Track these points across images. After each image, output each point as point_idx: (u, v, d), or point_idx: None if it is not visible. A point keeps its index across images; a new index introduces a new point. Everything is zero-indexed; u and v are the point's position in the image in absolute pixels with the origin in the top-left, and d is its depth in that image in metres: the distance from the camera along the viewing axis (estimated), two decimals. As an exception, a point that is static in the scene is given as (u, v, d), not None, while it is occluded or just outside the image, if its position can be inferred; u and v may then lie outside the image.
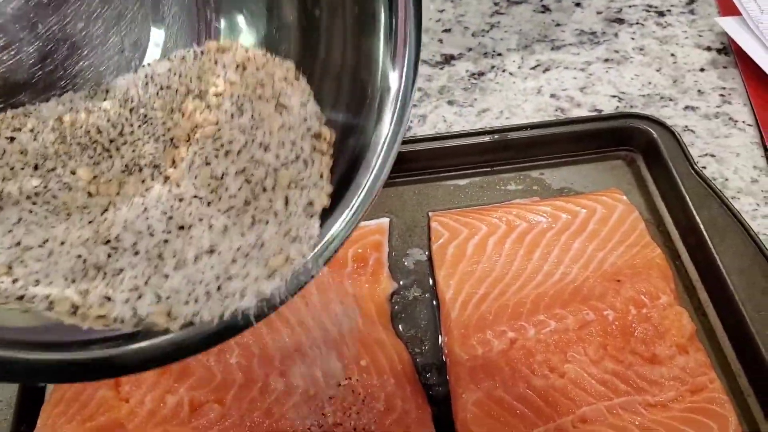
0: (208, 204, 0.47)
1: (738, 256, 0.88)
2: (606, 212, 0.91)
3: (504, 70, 1.17)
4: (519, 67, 1.17)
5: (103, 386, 0.74)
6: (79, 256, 0.43)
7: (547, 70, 1.17)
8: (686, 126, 1.09)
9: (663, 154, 0.99)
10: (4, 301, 0.41)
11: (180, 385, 0.74)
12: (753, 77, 1.13)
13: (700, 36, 1.23)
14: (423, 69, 1.18)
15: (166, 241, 0.45)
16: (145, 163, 0.48)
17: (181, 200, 0.47)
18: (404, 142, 1.01)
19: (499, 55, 1.20)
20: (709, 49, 1.20)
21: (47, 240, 0.44)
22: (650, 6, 1.29)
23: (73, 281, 0.43)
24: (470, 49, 1.21)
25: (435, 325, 0.86)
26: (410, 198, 1.00)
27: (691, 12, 1.27)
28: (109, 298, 0.42)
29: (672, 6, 1.29)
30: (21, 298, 0.42)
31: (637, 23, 1.26)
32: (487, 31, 1.24)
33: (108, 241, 0.44)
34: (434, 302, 0.88)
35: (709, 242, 0.89)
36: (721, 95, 1.13)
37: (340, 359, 0.77)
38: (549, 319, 0.79)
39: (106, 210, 0.45)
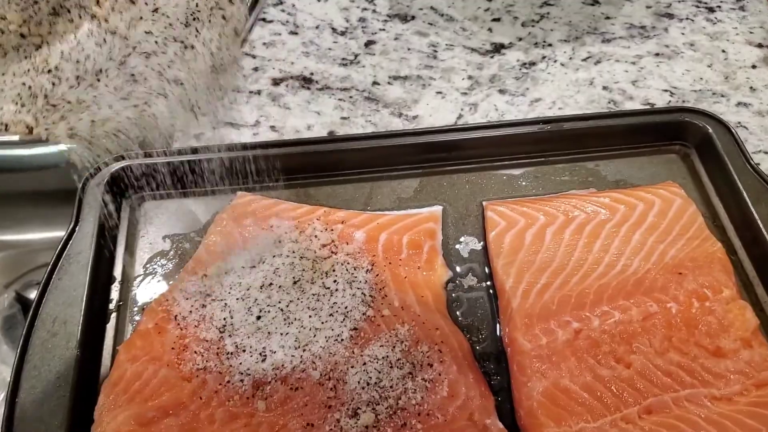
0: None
1: (796, 254, 0.87)
2: (664, 205, 0.90)
3: (555, 61, 1.16)
4: (570, 58, 1.16)
5: (165, 366, 0.74)
6: (23, 84, 0.50)
7: (598, 62, 1.16)
8: (739, 122, 1.08)
9: (718, 149, 0.98)
10: None
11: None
12: (807, 74, 1.12)
13: (751, 33, 1.21)
14: (473, 57, 1.17)
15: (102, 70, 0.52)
16: (71, 5, 0.52)
17: (113, 33, 0.52)
18: (456, 130, 1.02)
19: (550, 45, 1.19)
20: (760, 45, 1.19)
21: None
22: (700, 1, 1.28)
23: (23, 106, 0.49)
24: (520, 39, 1.20)
25: (492, 314, 0.85)
26: (463, 187, 0.99)
27: (742, 8, 1.26)
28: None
29: (722, 2, 1.28)
30: None
31: (687, 18, 1.25)
32: (537, 21, 1.23)
33: (49, 71, 0.50)
34: (491, 291, 0.87)
35: (766, 237, 0.88)
36: (774, 92, 1.12)
37: (402, 347, 0.76)
38: (613, 310, 0.79)
39: (39, 47, 0.51)
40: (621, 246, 0.85)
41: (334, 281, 0.82)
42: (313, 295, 0.80)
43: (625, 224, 0.88)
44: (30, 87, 0.49)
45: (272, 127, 1.05)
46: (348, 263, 0.85)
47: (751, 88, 1.12)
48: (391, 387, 0.72)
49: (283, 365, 0.73)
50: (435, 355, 0.76)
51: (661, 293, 0.80)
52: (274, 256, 0.84)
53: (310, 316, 0.78)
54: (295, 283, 0.81)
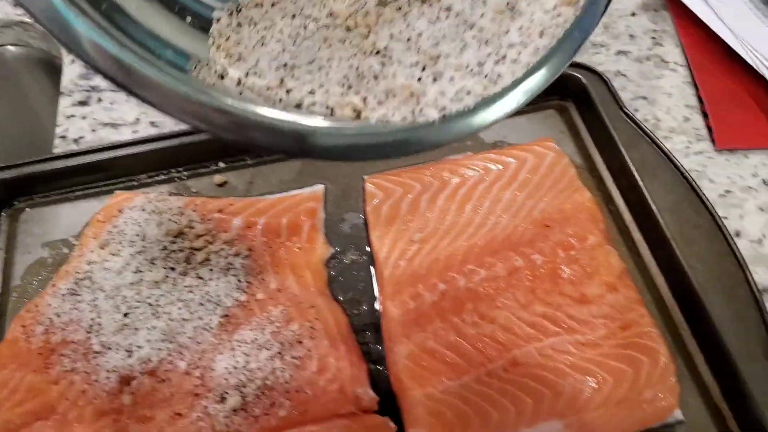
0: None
1: (669, 194, 0.88)
2: (537, 161, 0.91)
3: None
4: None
5: (31, 372, 0.73)
6: (351, 66, 0.46)
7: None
8: (618, 70, 1.09)
9: (594, 100, 0.99)
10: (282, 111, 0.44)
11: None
12: (683, 17, 1.14)
13: (631, -19, 1.22)
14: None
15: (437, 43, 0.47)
16: None
17: (448, 9, 0.47)
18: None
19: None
20: (640, -7, 1.20)
21: (314, 60, 0.46)
22: (581, -45, 1.28)
23: (350, 87, 0.46)
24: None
25: (372, 286, 0.86)
26: (345, 164, 0.99)
27: (622, -42, 1.27)
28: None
29: (603, -46, 1.28)
30: (299, 106, 0.45)
31: (569, -27, 1.25)
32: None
33: (378, 52, 0.47)
34: (371, 264, 0.88)
35: (639, 182, 0.89)
36: (653, 38, 1.13)
37: (272, 329, 0.77)
38: (479, 268, 0.79)
39: (366, 38, 0.47)
40: (492, 205, 0.86)
41: (210, 270, 0.82)
42: (186, 286, 0.80)
43: (497, 183, 0.89)
44: (358, 68, 0.47)
45: (152, 123, 1.04)
46: (224, 250, 0.85)
47: (630, 36, 1.14)
48: (258, 368, 0.73)
49: (149, 359, 0.73)
50: (306, 332, 0.77)
51: (527, 247, 0.81)
52: (146, 252, 0.83)
53: (179, 308, 0.78)
54: (166, 276, 0.81)
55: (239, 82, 0.45)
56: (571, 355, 0.73)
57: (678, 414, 0.73)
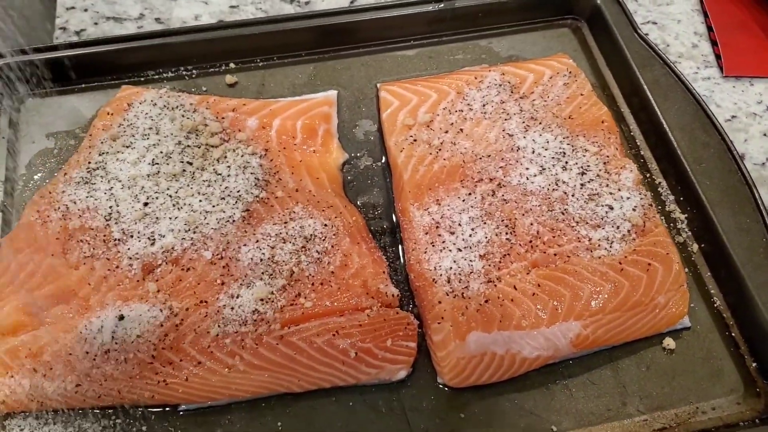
0: None
1: (680, 114, 0.90)
2: (553, 74, 0.92)
3: (449, -59, 1.14)
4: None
5: (50, 256, 0.72)
6: None
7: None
8: (630, -6, 1.09)
9: (607, 20, 0.99)
10: None
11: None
12: (695, -55, 1.14)
13: None
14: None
15: None
16: None
17: None
18: (341, 13, 0.99)
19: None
20: None
21: None
22: None
23: None
24: None
25: (387, 191, 0.86)
26: (358, 70, 0.98)
27: None
28: None
29: None
30: None
31: None
32: None
33: None
34: (385, 170, 0.87)
35: (652, 101, 0.91)
36: (664, -36, 1.13)
37: (294, 224, 0.77)
38: (502, 175, 0.80)
39: None
40: (511, 116, 0.87)
41: (227, 167, 0.81)
42: (204, 181, 0.79)
43: (515, 95, 0.89)
44: None
45: (157, 20, 1.00)
46: (240, 149, 0.83)
47: (642, -39, 1.13)
48: (284, 261, 0.73)
49: (173, 248, 0.73)
50: (328, 229, 0.77)
51: (547, 157, 0.82)
52: (161, 146, 0.82)
53: (200, 201, 0.77)
54: (184, 170, 0.80)
55: None
56: (590, 260, 0.75)
57: (686, 321, 0.76)
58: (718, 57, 1.02)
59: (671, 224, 0.84)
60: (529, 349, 0.71)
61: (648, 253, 0.77)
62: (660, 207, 0.85)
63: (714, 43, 1.03)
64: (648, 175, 0.88)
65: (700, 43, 1.04)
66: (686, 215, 0.84)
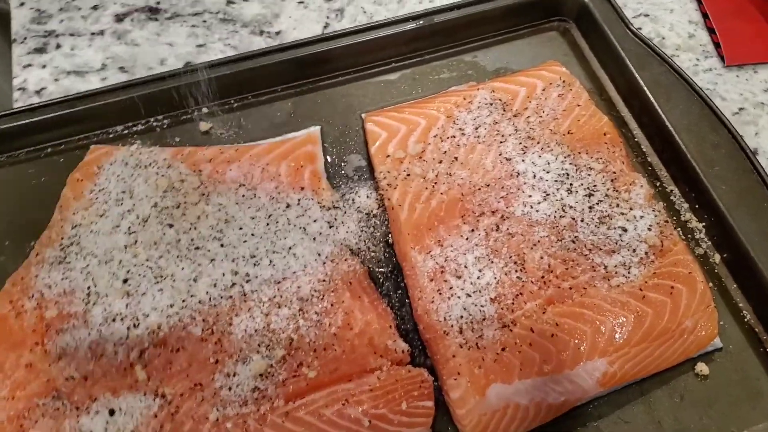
0: None
1: (684, 114, 0.84)
2: (546, 86, 0.86)
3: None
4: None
5: (28, 351, 0.66)
6: None
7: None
8: (617, -13, 1.03)
9: (597, 18, 0.93)
10: None
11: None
12: (679, -73, 1.08)
13: None
14: (333, -41, 1.07)
15: None
16: None
17: None
18: (322, 40, 0.93)
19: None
20: None
21: None
22: None
23: None
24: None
25: (385, 229, 0.80)
26: (339, 101, 0.92)
27: None
28: None
29: None
30: None
31: None
32: None
33: None
34: (380, 206, 0.82)
35: (654, 103, 0.85)
36: (649, -49, 1.07)
37: (286, 283, 0.71)
38: (504, 206, 0.75)
39: None
40: (506, 138, 0.81)
41: (210, 227, 0.75)
42: (186, 245, 0.73)
43: (508, 113, 0.83)
44: None
45: (121, 69, 0.94)
46: (222, 204, 0.78)
47: (625, -50, 1.07)
48: (281, 329, 0.67)
49: (159, 327, 0.67)
50: (326, 287, 0.71)
51: (550, 180, 0.76)
52: (136, 210, 0.76)
53: (182, 269, 0.71)
54: (164, 234, 0.74)
55: None
56: (608, 290, 0.70)
57: (717, 342, 0.71)
58: (717, 45, 0.96)
59: (689, 235, 0.78)
60: (554, 395, 0.66)
61: (669, 274, 0.71)
62: (675, 218, 0.79)
63: (711, 31, 0.98)
64: (658, 183, 0.83)
65: (696, 32, 0.98)
66: (703, 224, 0.79)
